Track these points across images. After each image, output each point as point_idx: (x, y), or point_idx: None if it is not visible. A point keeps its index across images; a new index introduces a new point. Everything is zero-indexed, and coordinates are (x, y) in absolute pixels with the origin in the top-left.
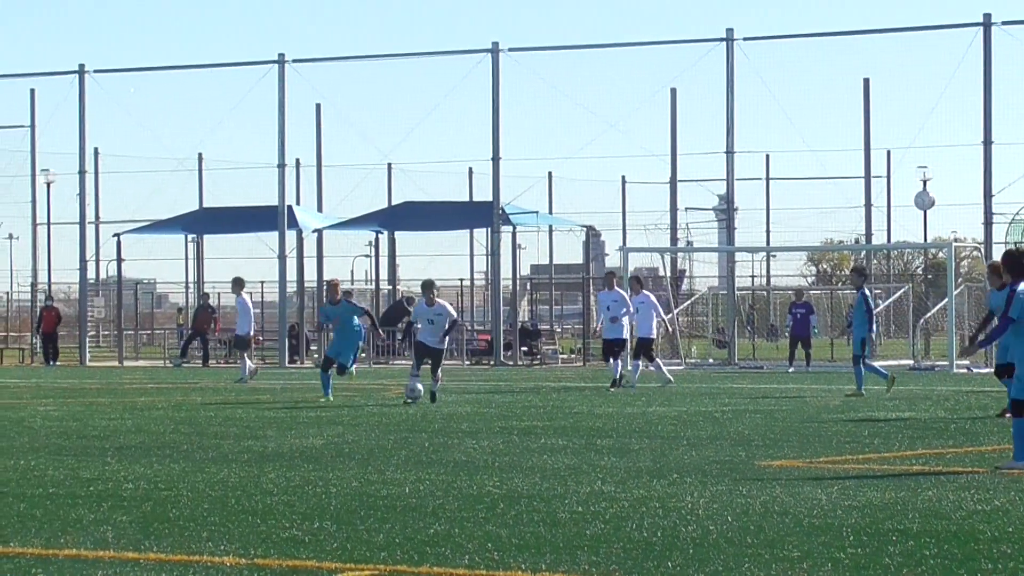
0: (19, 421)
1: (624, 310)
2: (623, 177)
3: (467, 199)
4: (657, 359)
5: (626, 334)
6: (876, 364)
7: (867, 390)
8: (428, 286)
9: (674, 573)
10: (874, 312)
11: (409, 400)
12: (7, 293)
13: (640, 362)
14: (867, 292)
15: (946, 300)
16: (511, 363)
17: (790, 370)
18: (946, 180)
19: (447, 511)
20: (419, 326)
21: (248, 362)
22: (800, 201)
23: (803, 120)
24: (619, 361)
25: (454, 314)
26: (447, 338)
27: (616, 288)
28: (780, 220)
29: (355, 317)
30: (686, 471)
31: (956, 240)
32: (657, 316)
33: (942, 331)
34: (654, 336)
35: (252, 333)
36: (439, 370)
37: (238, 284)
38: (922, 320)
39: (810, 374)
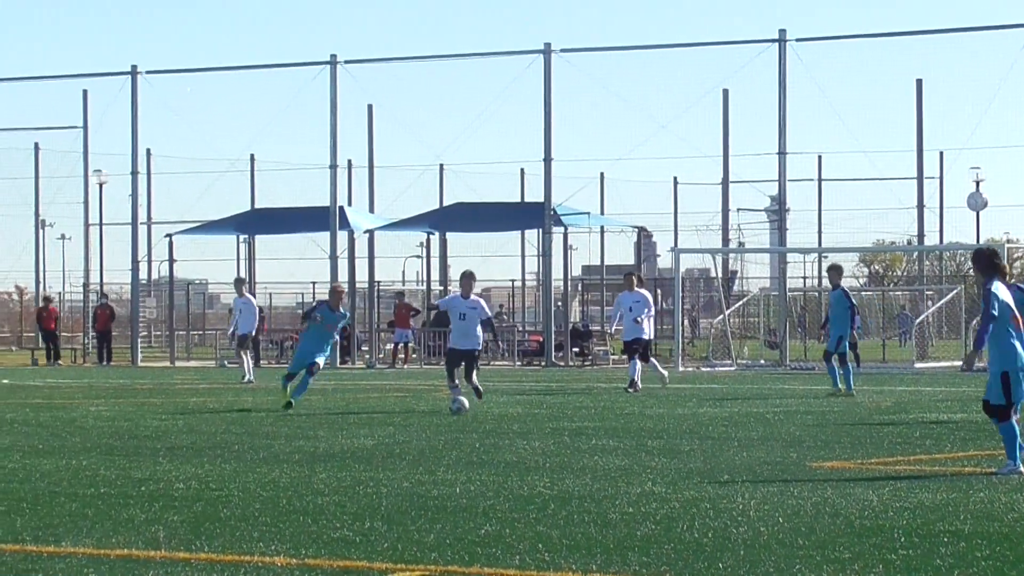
0: (71, 421)
1: (646, 310)
2: (675, 178)
3: (519, 200)
4: (636, 360)
5: (648, 335)
6: (838, 370)
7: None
8: (468, 276)
9: (725, 574)
10: (855, 309)
11: (455, 411)
12: (59, 294)
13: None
14: (845, 289)
15: None
16: (562, 364)
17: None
18: (999, 181)
19: (498, 512)
20: (449, 326)
21: (247, 360)
22: (852, 202)
23: (855, 121)
24: (647, 362)
25: (488, 312)
26: (480, 337)
27: (637, 289)
28: (832, 221)
29: (337, 328)
30: (737, 472)
31: (1009, 241)
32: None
33: None
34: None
35: (252, 332)
36: (475, 374)
37: (241, 283)
38: (974, 322)
39: (860, 375)
